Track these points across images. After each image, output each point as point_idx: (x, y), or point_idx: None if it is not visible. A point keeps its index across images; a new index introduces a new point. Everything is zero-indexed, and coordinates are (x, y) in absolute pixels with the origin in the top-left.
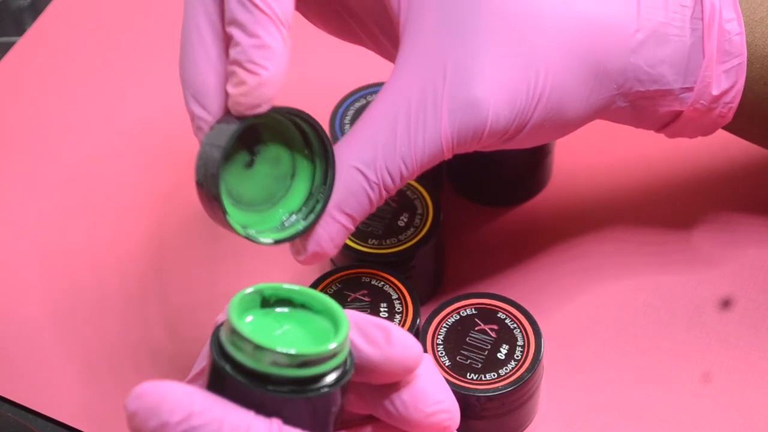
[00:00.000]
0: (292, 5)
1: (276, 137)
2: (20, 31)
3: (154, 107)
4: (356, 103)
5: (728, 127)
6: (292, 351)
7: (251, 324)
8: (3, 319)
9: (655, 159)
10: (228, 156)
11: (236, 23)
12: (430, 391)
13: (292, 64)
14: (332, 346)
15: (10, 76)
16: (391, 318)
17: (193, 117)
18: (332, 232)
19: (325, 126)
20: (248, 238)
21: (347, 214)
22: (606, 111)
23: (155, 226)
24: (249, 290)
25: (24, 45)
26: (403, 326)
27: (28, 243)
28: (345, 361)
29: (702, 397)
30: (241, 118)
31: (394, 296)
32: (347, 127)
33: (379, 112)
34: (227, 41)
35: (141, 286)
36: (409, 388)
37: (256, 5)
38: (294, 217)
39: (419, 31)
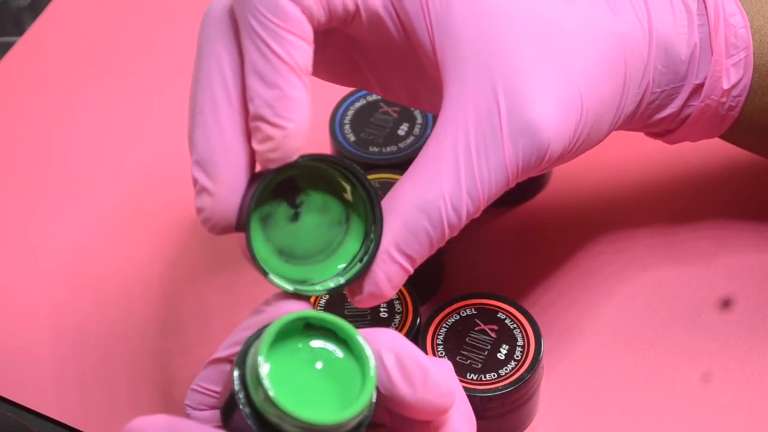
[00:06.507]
0: (311, 55)
1: (317, 184)
2: (20, 31)
3: (155, 107)
4: (356, 103)
5: (728, 138)
6: (304, 419)
7: (279, 360)
8: (3, 320)
9: (654, 160)
10: (258, 204)
11: (256, 74)
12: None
13: None
14: (345, 419)
15: (10, 76)
16: (391, 318)
17: (194, 182)
18: (390, 273)
19: (326, 126)
20: (297, 293)
21: (407, 255)
22: (627, 119)
23: (159, 224)
24: (293, 316)
25: (23, 45)
26: (403, 326)
27: (28, 244)
28: (361, 422)
29: (702, 397)
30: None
31: (394, 296)
32: (347, 127)
33: (437, 147)
34: (243, 110)
35: (143, 288)
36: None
37: (276, 54)
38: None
39: (461, 61)
